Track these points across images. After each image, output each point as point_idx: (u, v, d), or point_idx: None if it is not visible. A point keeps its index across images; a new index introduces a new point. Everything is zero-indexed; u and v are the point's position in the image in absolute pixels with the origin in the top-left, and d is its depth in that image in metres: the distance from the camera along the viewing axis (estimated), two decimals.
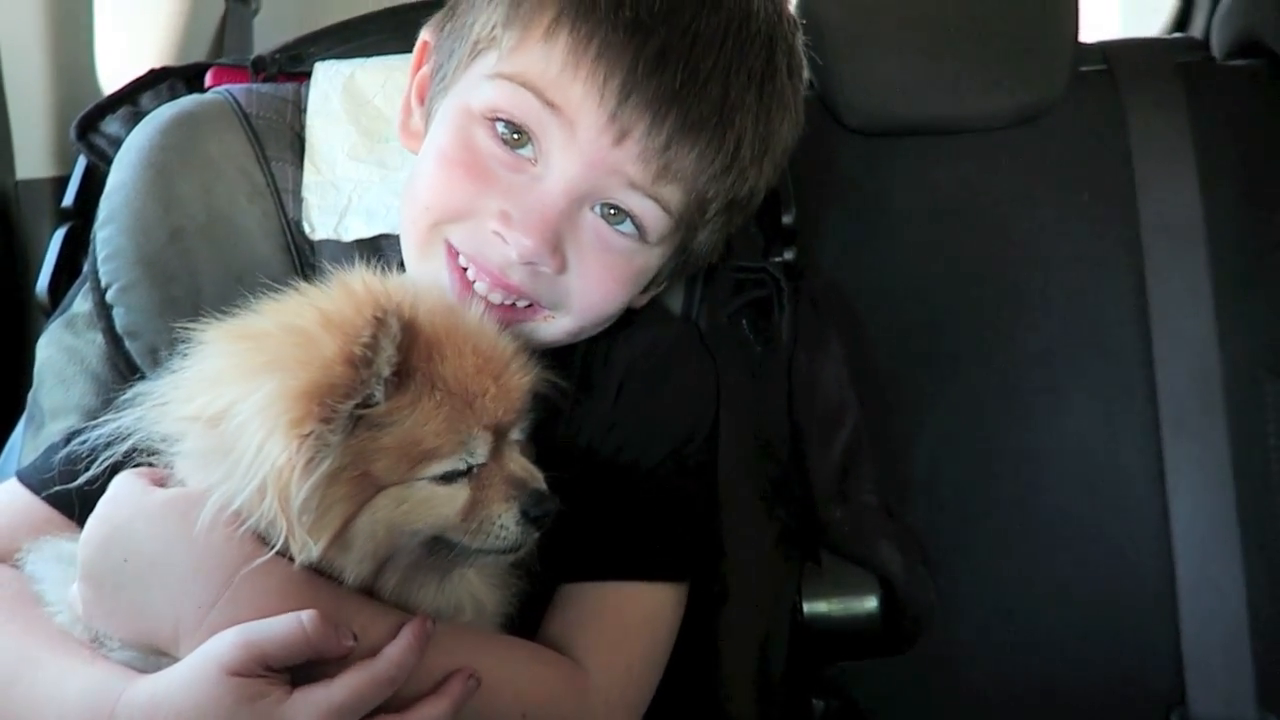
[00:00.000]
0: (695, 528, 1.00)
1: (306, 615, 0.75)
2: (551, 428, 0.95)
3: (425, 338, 0.79)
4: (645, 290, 1.03)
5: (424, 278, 0.95)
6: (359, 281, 0.82)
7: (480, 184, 0.92)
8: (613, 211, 0.92)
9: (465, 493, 0.80)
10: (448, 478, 0.80)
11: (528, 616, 0.93)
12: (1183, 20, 1.96)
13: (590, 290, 0.94)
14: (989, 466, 1.51)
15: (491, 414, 0.81)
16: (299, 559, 0.77)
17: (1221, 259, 1.51)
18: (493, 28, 0.92)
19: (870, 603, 1.06)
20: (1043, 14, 1.55)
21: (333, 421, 0.74)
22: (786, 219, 1.19)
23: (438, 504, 0.80)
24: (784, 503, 1.09)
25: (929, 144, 1.56)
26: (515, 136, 0.91)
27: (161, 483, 0.84)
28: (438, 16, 1.02)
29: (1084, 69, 1.58)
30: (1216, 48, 1.65)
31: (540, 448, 0.91)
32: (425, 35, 1.04)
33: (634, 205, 0.91)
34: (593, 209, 0.92)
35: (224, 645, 0.75)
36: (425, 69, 1.02)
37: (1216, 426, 1.47)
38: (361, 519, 0.78)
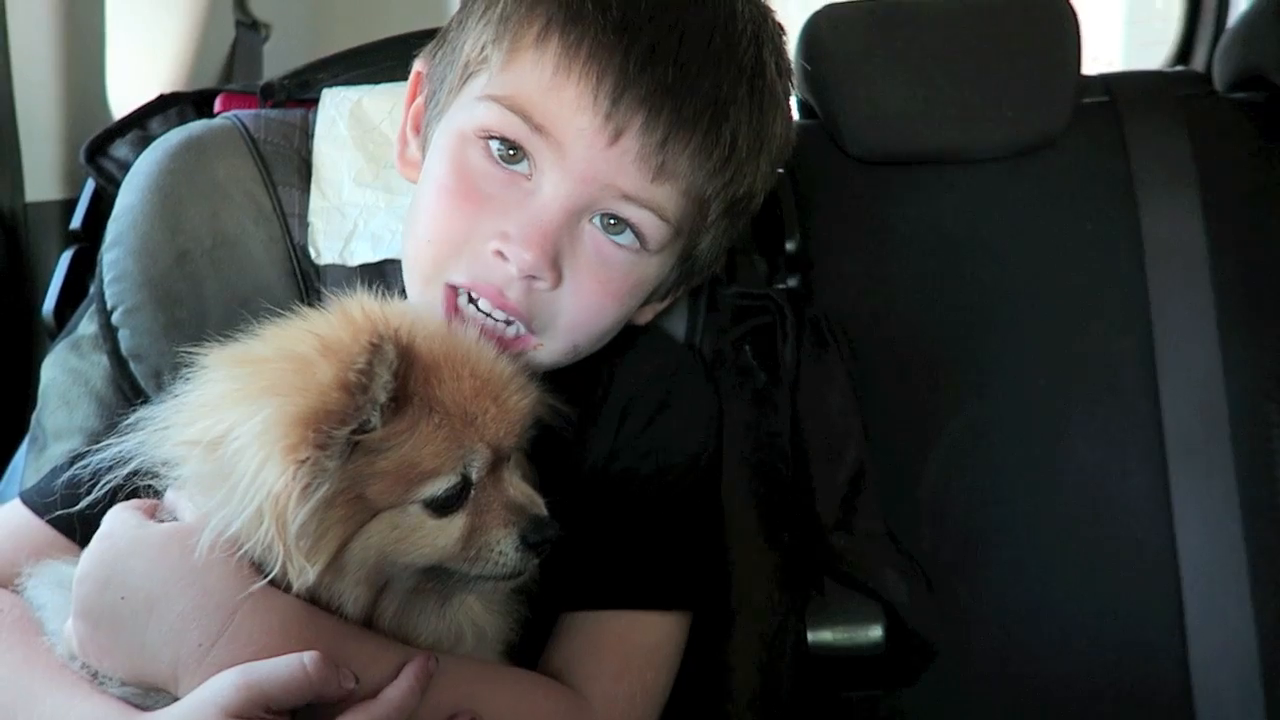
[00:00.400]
0: (699, 556, 0.99)
1: (308, 657, 0.74)
2: (555, 453, 0.95)
3: (423, 362, 0.79)
4: (648, 303, 1.02)
5: (425, 304, 0.95)
6: (358, 307, 0.83)
7: (477, 206, 0.92)
8: (612, 221, 0.92)
9: (461, 522, 0.80)
10: (444, 508, 0.79)
11: (530, 642, 0.92)
12: (1184, 53, 1.98)
13: (582, 306, 0.93)
14: (995, 496, 1.50)
15: (492, 434, 0.81)
16: (296, 584, 0.76)
17: (1226, 289, 1.51)
18: (483, 47, 0.93)
19: (875, 632, 1.05)
20: (1044, 46, 1.56)
21: (329, 447, 0.74)
22: (790, 246, 1.19)
23: (430, 535, 0.79)
24: (787, 530, 1.08)
25: (932, 173, 1.56)
26: (511, 152, 0.92)
27: (155, 514, 0.84)
28: (429, 46, 1.03)
29: (1086, 100, 1.59)
30: (1218, 80, 1.67)
31: (544, 473, 0.91)
32: (418, 66, 1.05)
33: (631, 215, 0.91)
34: (591, 220, 0.92)
35: (225, 686, 0.74)
36: (420, 99, 1.03)
37: (1223, 457, 1.46)
38: (355, 544, 0.77)
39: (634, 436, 0.98)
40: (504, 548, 0.81)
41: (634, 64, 0.87)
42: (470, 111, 0.93)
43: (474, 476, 0.80)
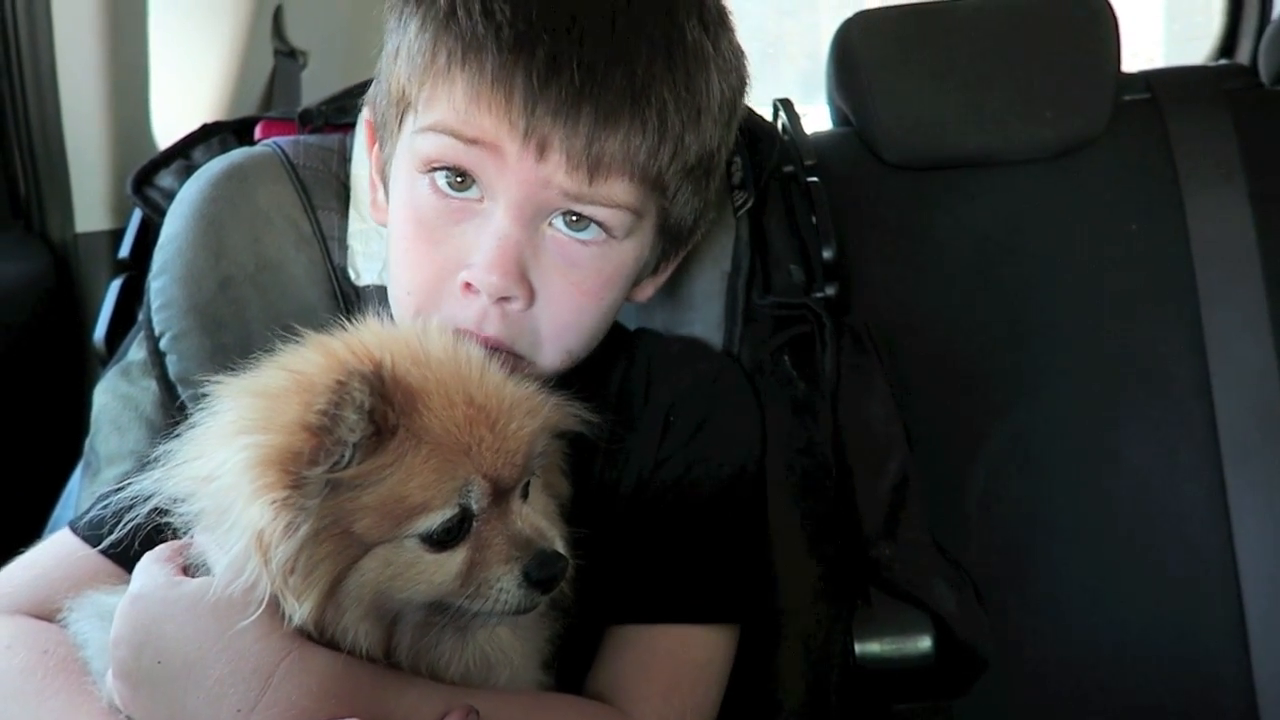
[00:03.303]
0: (747, 569, 0.98)
1: None
2: (591, 467, 0.94)
3: (409, 392, 0.77)
4: (639, 283, 1.01)
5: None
6: (340, 341, 0.81)
7: (438, 247, 0.92)
8: (575, 218, 0.92)
9: (461, 557, 0.77)
10: (441, 542, 0.76)
11: (575, 655, 0.91)
12: (1228, 47, 1.94)
13: (559, 313, 0.93)
14: (1042, 504, 1.48)
15: (490, 464, 0.77)
16: (295, 620, 0.75)
17: (1278, 286, 1.47)
18: (403, 89, 0.94)
19: (924, 642, 1.03)
20: (1082, 44, 1.54)
21: (304, 486, 0.73)
22: (827, 254, 1.18)
23: (427, 571, 0.76)
24: (832, 540, 1.07)
25: (971, 177, 1.55)
26: (459, 180, 0.92)
27: (185, 561, 0.82)
28: (369, 92, 1.03)
29: (1127, 98, 1.57)
30: (1265, 73, 1.63)
31: (581, 489, 0.90)
32: (366, 114, 1.05)
33: (587, 211, 0.91)
34: (552, 223, 0.92)
35: None
36: (377, 146, 1.03)
37: None
38: (350, 580, 0.76)
39: (678, 448, 0.97)
40: (505, 584, 0.77)
41: (538, 79, 0.86)
42: (410, 148, 0.94)
43: (474, 508, 0.77)
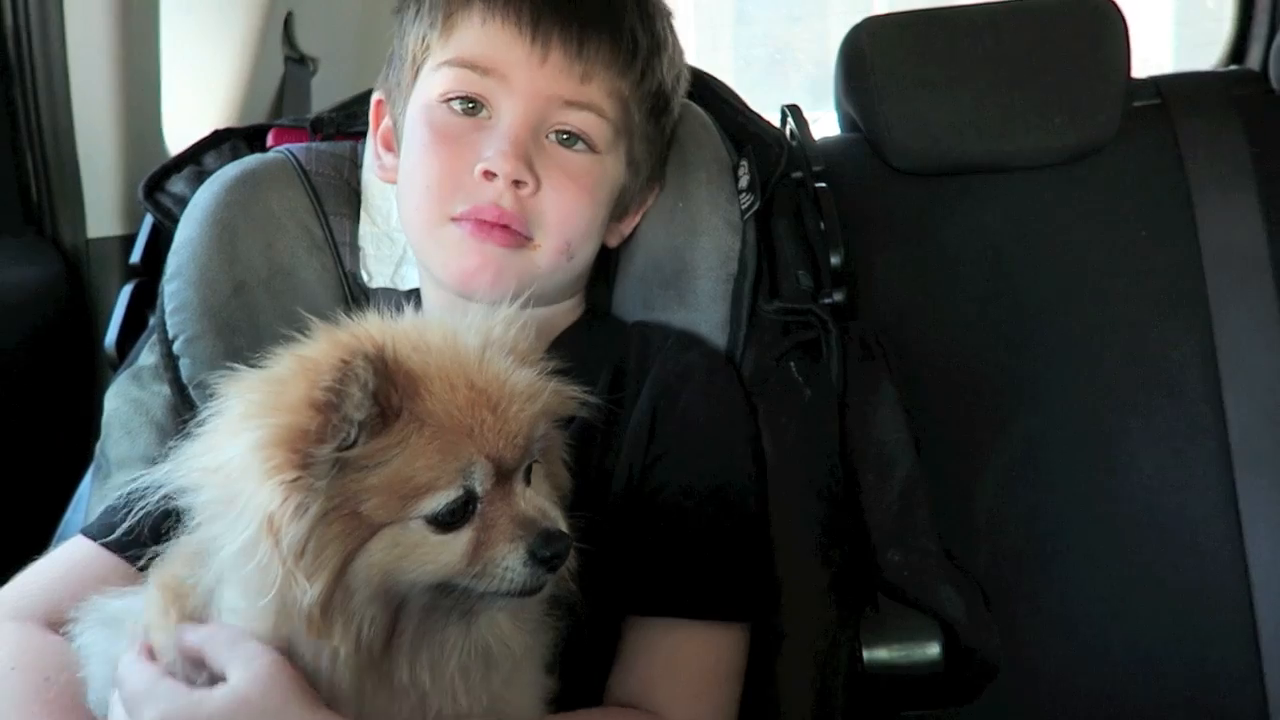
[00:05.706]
0: (756, 567, 0.99)
1: None
2: (589, 456, 0.95)
3: (410, 375, 0.79)
4: (618, 218, 1.13)
5: (436, 259, 1.06)
6: (346, 329, 0.83)
7: (457, 148, 1.06)
8: (565, 136, 1.07)
9: (466, 538, 0.78)
10: (446, 523, 0.78)
11: (576, 659, 0.91)
12: (1238, 52, 1.94)
13: (561, 201, 1.06)
14: (1052, 511, 1.47)
15: (492, 445, 0.79)
16: (303, 604, 0.76)
17: None
18: (423, 38, 1.10)
19: (932, 649, 1.03)
20: (1091, 50, 1.54)
21: (313, 466, 0.74)
22: (835, 260, 1.18)
23: (433, 552, 0.78)
24: (839, 546, 1.07)
25: (979, 183, 1.55)
26: (470, 106, 1.07)
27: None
28: (381, 74, 1.16)
29: (1137, 104, 1.57)
30: (1275, 79, 1.63)
31: (582, 481, 0.90)
32: (378, 95, 1.17)
33: (576, 121, 1.07)
34: (548, 138, 1.06)
35: None
36: (386, 121, 1.15)
37: None
38: (358, 561, 0.77)
39: (671, 445, 0.99)
40: (510, 563, 0.78)
41: None
42: (428, 85, 1.08)
43: (478, 489, 0.79)
